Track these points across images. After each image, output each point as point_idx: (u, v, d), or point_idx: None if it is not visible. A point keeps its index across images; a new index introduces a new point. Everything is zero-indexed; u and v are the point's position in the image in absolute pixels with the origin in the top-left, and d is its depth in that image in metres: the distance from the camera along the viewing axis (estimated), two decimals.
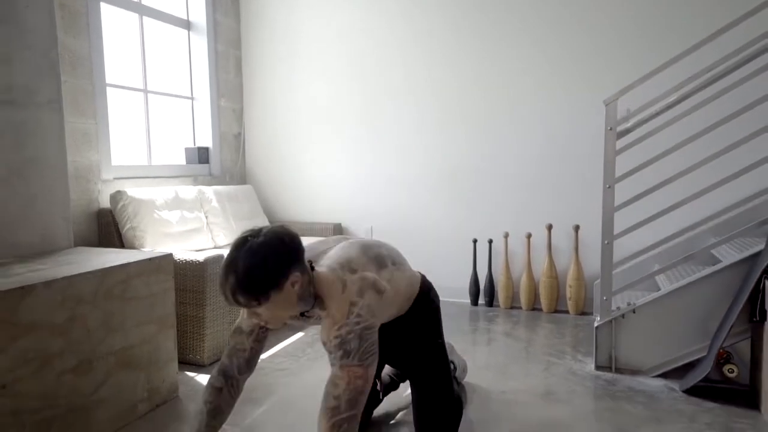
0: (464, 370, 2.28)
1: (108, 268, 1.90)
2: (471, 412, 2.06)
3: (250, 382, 2.34)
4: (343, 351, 1.36)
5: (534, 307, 3.47)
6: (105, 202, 2.97)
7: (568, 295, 3.33)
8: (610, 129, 2.34)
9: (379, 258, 1.59)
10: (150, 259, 2.07)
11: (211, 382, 1.56)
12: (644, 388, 2.23)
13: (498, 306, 3.55)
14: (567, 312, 3.37)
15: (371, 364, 1.37)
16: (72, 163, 2.78)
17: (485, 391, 2.25)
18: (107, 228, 2.91)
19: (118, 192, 2.88)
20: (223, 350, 2.64)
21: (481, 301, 3.60)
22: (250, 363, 1.57)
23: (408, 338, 1.75)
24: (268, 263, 1.31)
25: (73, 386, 1.76)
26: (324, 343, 1.40)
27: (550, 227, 3.35)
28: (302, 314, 1.50)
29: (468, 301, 3.64)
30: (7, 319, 1.56)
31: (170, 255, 2.18)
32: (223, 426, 1.84)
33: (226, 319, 2.66)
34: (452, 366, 2.15)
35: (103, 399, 1.88)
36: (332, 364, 1.38)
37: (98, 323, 1.85)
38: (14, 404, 1.58)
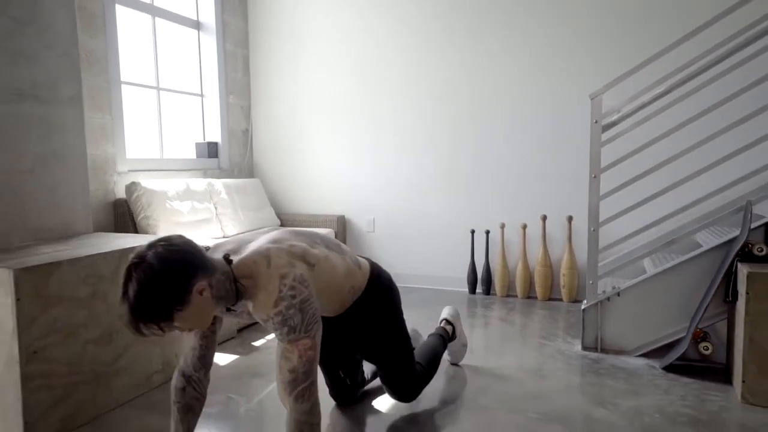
0: (464, 345, 2.41)
1: (125, 249, 2.06)
2: (459, 385, 2.20)
3: (260, 359, 2.51)
4: (288, 327, 1.36)
5: (529, 295, 3.61)
6: (121, 193, 3.14)
7: (561, 283, 3.46)
8: (596, 122, 2.47)
9: (309, 238, 1.57)
10: None
11: (174, 384, 1.55)
12: (626, 366, 2.37)
13: (495, 294, 3.69)
14: (561, 300, 3.51)
15: (317, 332, 1.39)
16: (90, 156, 2.95)
17: (476, 367, 2.39)
18: (123, 217, 3.09)
19: (133, 183, 3.05)
20: (230, 331, 2.81)
21: (479, 289, 3.75)
22: (203, 360, 1.55)
23: (367, 327, 1.77)
24: (161, 286, 1.23)
25: (95, 355, 1.93)
26: (263, 321, 1.38)
27: (544, 218, 3.49)
28: (228, 309, 1.46)
29: (466, 289, 3.78)
30: (38, 292, 1.73)
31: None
32: (235, 398, 2.00)
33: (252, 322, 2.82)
34: (449, 334, 2.30)
35: (122, 368, 2.04)
36: (279, 340, 1.38)
37: (117, 299, 2.01)
38: (45, 368, 1.75)
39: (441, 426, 1.87)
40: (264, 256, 1.40)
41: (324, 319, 1.74)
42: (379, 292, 1.77)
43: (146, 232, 3.00)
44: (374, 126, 3.97)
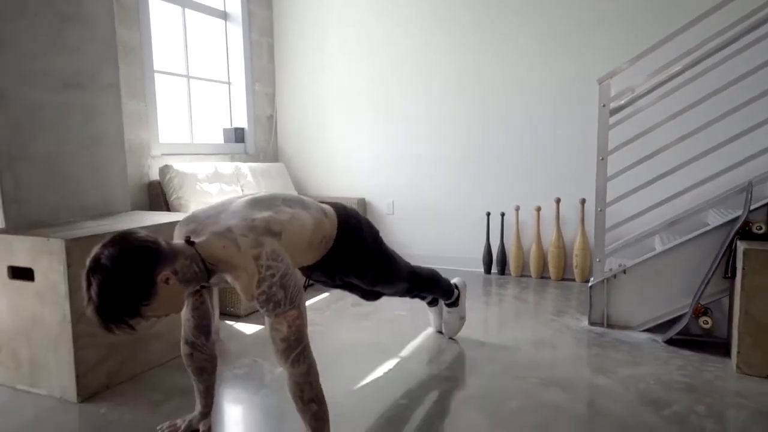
0: (462, 318, 2.53)
1: (161, 224, 2.26)
2: (467, 355, 2.35)
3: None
4: (273, 303, 1.39)
5: (542, 275, 3.72)
6: (154, 175, 3.35)
7: (574, 263, 3.56)
8: (603, 106, 2.56)
9: (270, 204, 1.57)
10: None
11: (182, 351, 1.68)
12: (630, 340, 2.48)
13: (509, 274, 3.81)
14: (573, 280, 3.61)
15: (301, 301, 1.44)
16: (126, 140, 3.16)
17: (485, 340, 2.53)
18: (156, 198, 3.30)
19: (166, 166, 3.26)
20: (254, 305, 3.00)
21: (494, 270, 3.87)
22: (199, 328, 1.64)
23: (347, 266, 1.85)
24: (121, 285, 1.24)
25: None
26: (248, 299, 1.43)
27: (558, 201, 3.58)
28: (203, 287, 1.51)
29: (482, 270, 3.91)
30: (85, 260, 1.92)
31: None
32: (259, 362, 2.19)
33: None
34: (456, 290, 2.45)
35: (158, 334, 2.25)
36: (267, 315, 1.42)
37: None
38: (92, 329, 1.96)
39: (447, 390, 2.02)
40: (230, 239, 1.40)
41: (305, 267, 1.81)
42: (350, 235, 1.80)
43: (178, 212, 3.20)
44: (394, 112, 4.10)
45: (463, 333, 2.55)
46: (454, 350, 2.41)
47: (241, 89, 4.20)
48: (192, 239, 1.42)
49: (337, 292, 3.36)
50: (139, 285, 1.26)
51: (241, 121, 4.23)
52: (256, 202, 1.56)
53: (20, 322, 2.00)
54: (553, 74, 3.59)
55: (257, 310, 3.01)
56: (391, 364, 2.26)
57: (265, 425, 1.78)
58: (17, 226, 2.14)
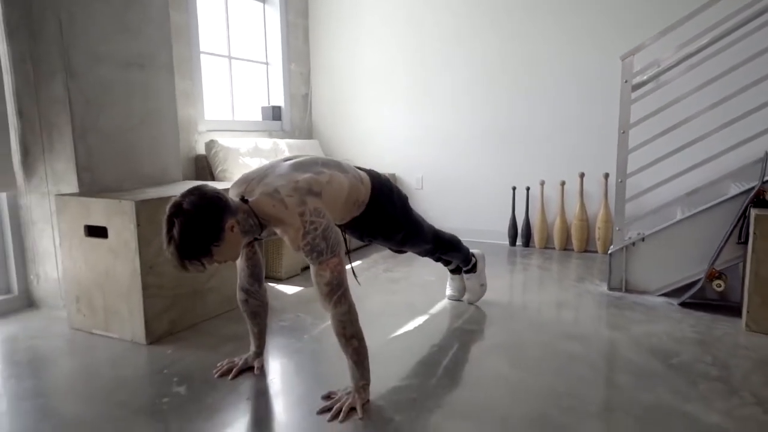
0: (483, 286, 2.70)
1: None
2: (491, 313, 2.55)
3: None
4: (316, 252, 1.58)
5: (566, 247, 3.87)
6: (201, 150, 3.61)
7: (597, 236, 3.70)
8: (626, 81, 2.68)
9: (311, 167, 1.74)
10: None
11: (238, 298, 1.92)
12: (646, 303, 2.63)
13: (533, 246, 3.97)
14: (595, 251, 3.75)
15: (341, 250, 1.63)
16: None
17: (509, 301, 2.72)
18: (203, 170, 3.56)
19: (212, 141, 3.50)
20: (294, 269, 3.24)
21: (519, 242, 4.03)
22: (253, 276, 1.88)
23: (376, 228, 2.04)
24: (199, 227, 1.44)
25: (193, 275, 2.39)
26: (295, 249, 1.61)
27: (582, 175, 3.71)
28: (256, 239, 1.73)
29: (507, 242, 4.08)
30: (152, 220, 2.18)
31: None
32: (302, 316, 2.42)
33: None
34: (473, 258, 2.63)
35: (212, 288, 2.50)
36: (311, 263, 1.61)
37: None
38: (158, 280, 2.22)
39: (473, 341, 2.23)
40: (278, 199, 1.58)
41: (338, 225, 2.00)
42: (381, 201, 1.97)
43: (223, 181, 3.45)
44: (423, 90, 4.26)
45: (487, 296, 2.73)
46: (478, 310, 2.60)
47: (278, 69, 4.42)
48: (246, 198, 1.62)
49: (370, 260, 3.58)
50: (212, 228, 1.46)
51: (278, 99, 4.46)
52: (299, 165, 1.74)
53: (95, 275, 2.28)
54: (577, 51, 3.69)
55: (296, 274, 3.25)
56: (421, 320, 2.47)
57: (308, 365, 2.01)
58: (90, 191, 2.41)
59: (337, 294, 1.61)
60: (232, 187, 1.75)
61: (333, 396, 1.71)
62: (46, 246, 2.58)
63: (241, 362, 1.95)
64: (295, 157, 1.85)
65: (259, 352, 1.98)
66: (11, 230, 2.62)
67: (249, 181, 1.70)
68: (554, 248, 3.90)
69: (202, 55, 3.65)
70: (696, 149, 2.77)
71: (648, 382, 1.81)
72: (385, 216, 2.01)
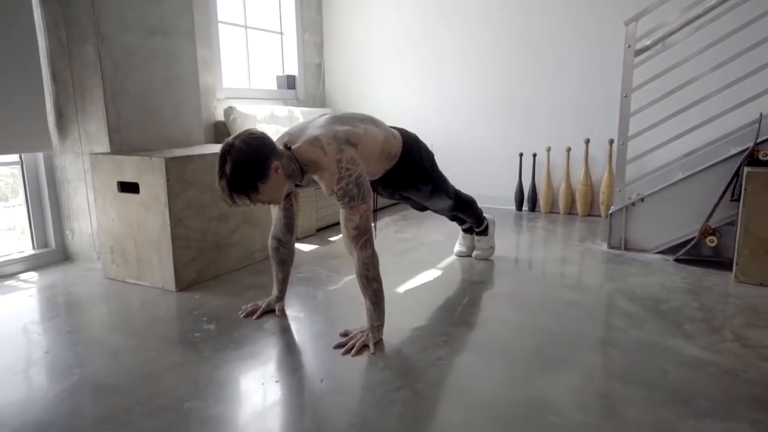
0: (492, 248, 2.86)
1: None
2: (494, 267, 2.70)
3: (333, 248, 3.11)
4: (348, 197, 1.72)
5: (570, 211, 4.00)
6: (219, 116, 3.76)
7: (601, 200, 3.83)
8: (629, 47, 2.78)
9: (349, 121, 1.88)
10: None
11: (270, 245, 2.07)
12: (643, 259, 2.78)
13: (539, 211, 4.11)
14: (599, 215, 3.88)
15: (370, 198, 1.76)
16: None
17: (513, 257, 2.88)
18: (221, 136, 3.71)
19: (230, 107, 3.65)
20: (310, 229, 3.41)
21: (525, 207, 4.17)
22: (287, 226, 2.03)
23: (407, 182, 2.18)
24: (248, 164, 1.59)
25: (216, 229, 2.57)
26: (329, 193, 1.74)
27: (587, 141, 3.82)
28: (297, 185, 1.86)
29: (513, 207, 4.21)
30: (180, 176, 2.35)
31: None
32: (317, 269, 2.59)
33: (314, 206, 3.42)
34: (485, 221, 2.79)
35: (234, 243, 2.68)
36: (342, 207, 1.74)
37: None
38: (185, 233, 2.40)
39: (479, 290, 2.39)
40: (318, 146, 1.73)
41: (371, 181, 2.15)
42: (412, 155, 2.12)
43: None
44: (432, 58, 4.36)
45: (493, 254, 2.89)
46: (484, 264, 2.76)
47: (292, 39, 4.53)
48: (289, 145, 1.77)
49: (381, 223, 3.74)
50: (261, 165, 1.62)
51: (292, 68, 4.58)
52: (336, 119, 1.89)
53: (128, 228, 2.46)
54: (583, 17, 3.76)
55: (311, 234, 3.43)
56: (430, 273, 2.63)
57: (324, 309, 2.19)
58: (121, 151, 2.58)
59: (364, 238, 1.76)
60: (277, 139, 1.87)
61: (349, 333, 1.88)
62: (80, 202, 2.77)
63: (264, 305, 2.12)
64: (333, 113, 2.00)
65: (281, 297, 2.16)
66: (48, 188, 2.81)
67: (291, 133, 1.87)
68: (559, 213, 4.03)
69: (219, 25, 3.78)
70: (697, 112, 2.86)
71: (637, 322, 1.97)
72: (415, 168, 2.16)
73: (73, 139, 2.70)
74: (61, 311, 2.20)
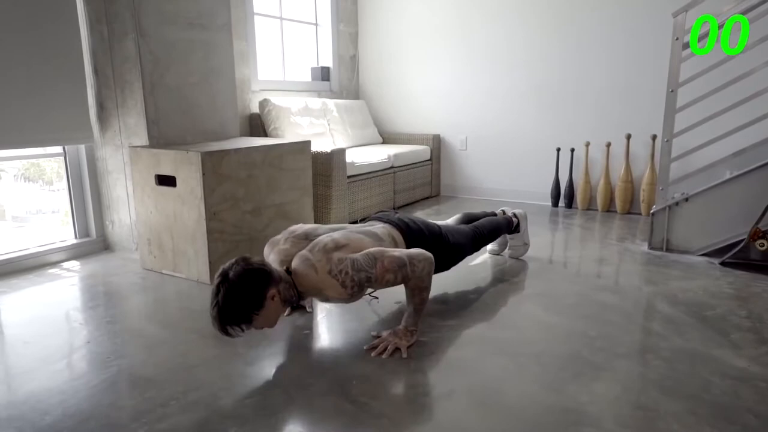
0: (526, 244, 2.79)
1: (270, 145, 2.67)
2: (529, 265, 2.65)
3: None
4: (366, 282, 1.71)
5: (609, 209, 3.89)
6: (255, 108, 3.78)
7: (641, 197, 3.70)
8: (677, 39, 2.65)
9: (341, 230, 1.92)
10: (296, 142, 2.83)
11: None
12: (686, 261, 2.67)
13: (576, 208, 4.01)
14: (639, 214, 3.76)
15: (377, 255, 1.73)
16: None
17: (547, 257, 2.81)
18: (256, 128, 3.74)
19: (265, 100, 3.67)
20: (344, 222, 3.40)
21: (561, 203, 4.07)
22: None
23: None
24: (241, 297, 1.56)
25: (250, 223, 2.59)
26: (348, 301, 1.77)
27: (629, 137, 3.69)
28: (293, 308, 1.90)
29: (549, 203, 4.12)
30: (215, 170, 2.37)
31: (309, 141, 2.93)
32: None
33: (347, 199, 3.42)
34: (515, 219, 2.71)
35: (268, 235, 2.69)
36: (370, 287, 1.76)
37: (265, 182, 2.64)
38: (220, 226, 2.43)
39: (511, 289, 2.35)
40: (309, 265, 1.72)
41: None
42: (415, 243, 2.04)
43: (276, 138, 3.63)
44: (468, 51, 4.28)
45: (527, 252, 2.83)
46: (517, 263, 2.71)
47: (327, 30, 4.51)
48: (289, 269, 1.74)
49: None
50: (255, 297, 1.59)
51: (327, 60, 4.57)
52: (335, 229, 1.90)
53: (165, 220, 2.51)
54: (627, 8, 3.62)
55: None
56: (462, 271, 2.60)
57: (357, 306, 2.18)
58: (158, 144, 2.62)
59: (408, 270, 1.74)
60: (281, 245, 1.88)
61: (381, 334, 1.86)
62: (119, 194, 2.84)
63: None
64: (330, 227, 1.98)
65: None
66: (89, 180, 2.88)
67: (288, 255, 1.82)
68: (597, 210, 3.92)
69: (255, 17, 3.79)
70: (747, 109, 2.73)
71: (679, 329, 1.90)
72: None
73: (114, 131, 2.76)
74: (101, 301, 2.26)
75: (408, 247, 2.01)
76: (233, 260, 1.63)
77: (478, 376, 1.59)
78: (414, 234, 2.07)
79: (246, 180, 2.54)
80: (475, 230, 2.42)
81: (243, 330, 1.61)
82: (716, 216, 2.69)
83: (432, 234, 2.14)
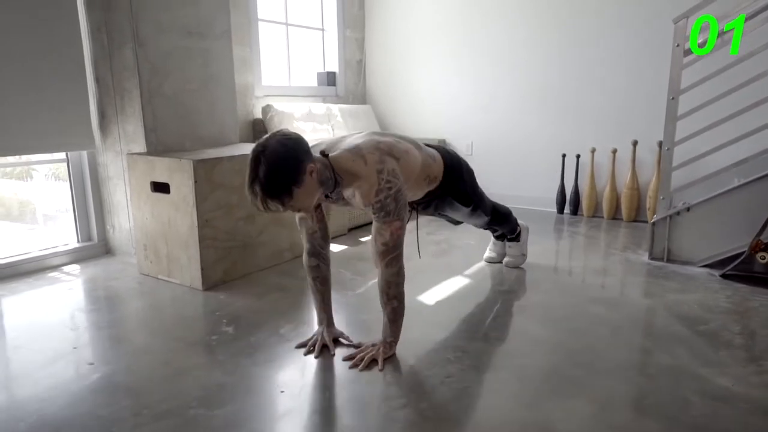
0: (524, 255, 2.76)
1: None
2: (525, 276, 2.62)
3: (364, 249, 3.10)
4: (384, 212, 1.64)
5: (615, 216, 3.82)
6: (257, 114, 3.81)
7: (647, 205, 3.63)
8: (677, 45, 2.60)
9: (387, 135, 1.82)
10: None
11: (308, 264, 1.88)
12: (686, 272, 2.61)
13: (581, 215, 3.95)
14: (645, 221, 3.68)
15: (405, 215, 1.69)
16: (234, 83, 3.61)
17: (545, 265, 2.77)
18: (259, 134, 3.77)
19: (268, 106, 3.70)
20: (341, 230, 3.41)
21: (567, 210, 4.02)
22: (324, 237, 1.88)
23: (449, 202, 2.16)
24: (283, 167, 1.47)
25: (244, 229, 2.61)
26: (364, 205, 1.66)
27: (635, 143, 3.62)
28: (327, 196, 1.71)
29: (554, 209, 4.07)
30: (207, 178, 2.40)
31: None
32: (343, 272, 2.59)
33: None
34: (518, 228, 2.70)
35: (262, 242, 2.72)
36: (375, 220, 1.66)
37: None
38: (213, 233, 2.45)
39: (500, 299, 2.32)
40: (359, 155, 1.64)
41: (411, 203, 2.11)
42: (453, 177, 2.08)
43: None
44: (474, 57, 4.25)
45: (527, 259, 2.80)
46: (514, 272, 2.68)
47: (333, 35, 4.53)
48: (326, 153, 1.66)
49: (412, 224, 3.69)
50: (297, 168, 1.49)
51: (333, 65, 4.58)
52: (377, 133, 1.83)
53: (160, 226, 2.54)
54: (630, 14, 3.55)
55: (343, 234, 3.43)
56: (457, 279, 2.58)
57: (345, 315, 2.18)
58: (156, 151, 2.66)
59: (391, 255, 1.69)
60: (314, 146, 1.75)
61: (361, 345, 1.84)
62: (119, 199, 2.89)
63: (316, 340, 1.88)
64: (372, 130, 1.95)
65: (331, 321, 1.94)
66: (91, 185, 2.94)
67: (327, 142, 1.78)
68: (603, 217, 3.86)
69: (259, 23, 3.82)
70: (753, 116, 2.65)
71: (667, 345, 1.85)
72: (456, 191, 2.13)
73: (114, 138, 2.81)
74: (94, 306, 2.30)
75: (445, 168, 2.05)
76: (268, 134, 1.55)
77: (454, 392, 1.57)
78: (453, 159, 2.12)
79: (239, 187, 2.55)
80: (494, 202, 2.51)
81: (284, 204, 1.51)
82: (719, 226, 2.63)
83: (467, 169, 2.24)
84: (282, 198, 1.49)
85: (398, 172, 1.67)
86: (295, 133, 1.57)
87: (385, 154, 1.67)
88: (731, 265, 2.52)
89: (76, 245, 2.94)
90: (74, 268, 2.80)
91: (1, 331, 2.06)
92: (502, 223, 2.58)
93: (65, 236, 2.97)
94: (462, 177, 2.15)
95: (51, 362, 1.79)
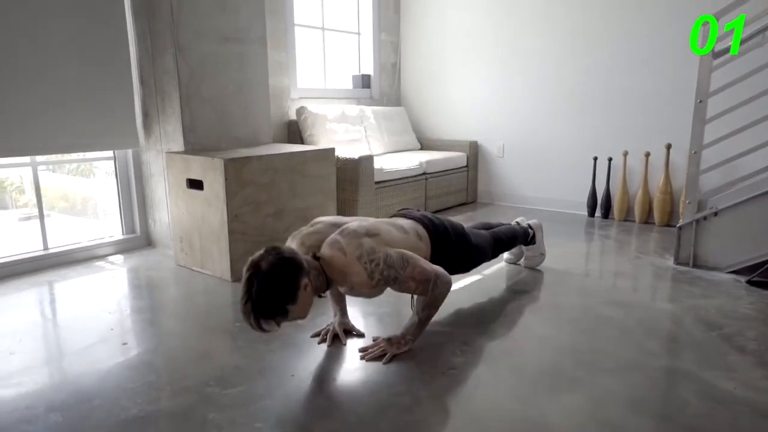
0: (542, 255, 2.77)
1: (294, 152, 2.82)
2: (545, 277, 2.64)
3: None
4: (391, 280, 1.68)
5: (647, 220, 3.76)
6: (293, 115, 3.97)
7: (680, 210, 3.55)
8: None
9: (370, 221, 1.85)
10: (320, 150, 2.96)
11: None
12: (711, 278, 2.57)
13: (613, 218, 3.90)
14: None
15: (410, 258, 1.72)
16: (270, 86, 3.78)
17: (565, 269, 2.78)
18: (294, 134, 3.92)
19: (302, 107, 3.84)
20: None
21: (598, 213, 3.98)
22: None
23: (447, 265, 1.99)
24: (277, 287, 1.48)
25: (272, 226, 2.75)
26: (371, 294, 1.71)
27: (669, 146, 3.56)
28: (320, 296, 1.72)
29: (585, 213, 4.03)
30: (237, 176, 2.54)
31: (333, 149, 3.06)
32: None
33: (374, 205, 3.52)
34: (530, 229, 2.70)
35: (289, 237, 2.84)
36: (394, 289, 1.72)
37: (287, 188, 2.79)
38: (242, 228, 2.60)
39: (512, 299, 2.36)
40: (337, 248, 1.67)
41: None
42: (442, 247, 2.02)
43: (311, 144, 3.79)
44: (506, 60, 4.27)
45: (547, 262, 2.81)
46: (533, 273, 2.70)
47: (368, 39, 4.64)
48: (317, 255, 1.69)
49: None
50: (289, 288, 1.51)
51: (368, 68, 4.69)
52: (363, 220, 1.86)
53: (194, 220, 2.71)
54: (669, 15, 3.49)
55: None
56: (475, 279, 2.63)
57: (364, 308, 2.28)
58: (193, 150, 2.84)
59: (431, 285, 1.75)
60: (299, 240, 1.83)
61: (377, 339, 1.92)
62: (160, 195, 3.09)
63: (333, 330, 1.97)
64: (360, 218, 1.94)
65: (345, 313, 2.04)
66: (135, 181, 3.15)
67: (319, 238, 1.78)
68: (634, 221, 3.80)
69: (296, 28, 3.97)
70: None
71: (676, 348, 1.85)
72: (448, 260, 2.05)
73: (155, 137, 3.01)
74: (133, 293, 2.49)
75: (433, 244, 1.99)
76: (262, 251, 1.54)
77: (453, 384, 1.64)
78: (438, 230, 2.03)
79: (268, 185, 2.70)
80: (494, 236, 2.44)
81: (278, 324, 1.54)
82: (748, 232, 2.57)
83: (456, 232, 2.12)
84: (275, 318, 1.52)
85: (375, 247, 1.69)
86: (288, 248, 1.58)
87: (361, 237, 1.70)
88: (758, 272, 2.46)
89: (121, 237, 3.16)
90: (118, 258, 3.02)
91: (53, 312, 2.26)
92: (511, 246, 2.56)
93: (112, 229, 3.20)
94: (451, 245, 2.07)
95: (91, 341, 1.97)
